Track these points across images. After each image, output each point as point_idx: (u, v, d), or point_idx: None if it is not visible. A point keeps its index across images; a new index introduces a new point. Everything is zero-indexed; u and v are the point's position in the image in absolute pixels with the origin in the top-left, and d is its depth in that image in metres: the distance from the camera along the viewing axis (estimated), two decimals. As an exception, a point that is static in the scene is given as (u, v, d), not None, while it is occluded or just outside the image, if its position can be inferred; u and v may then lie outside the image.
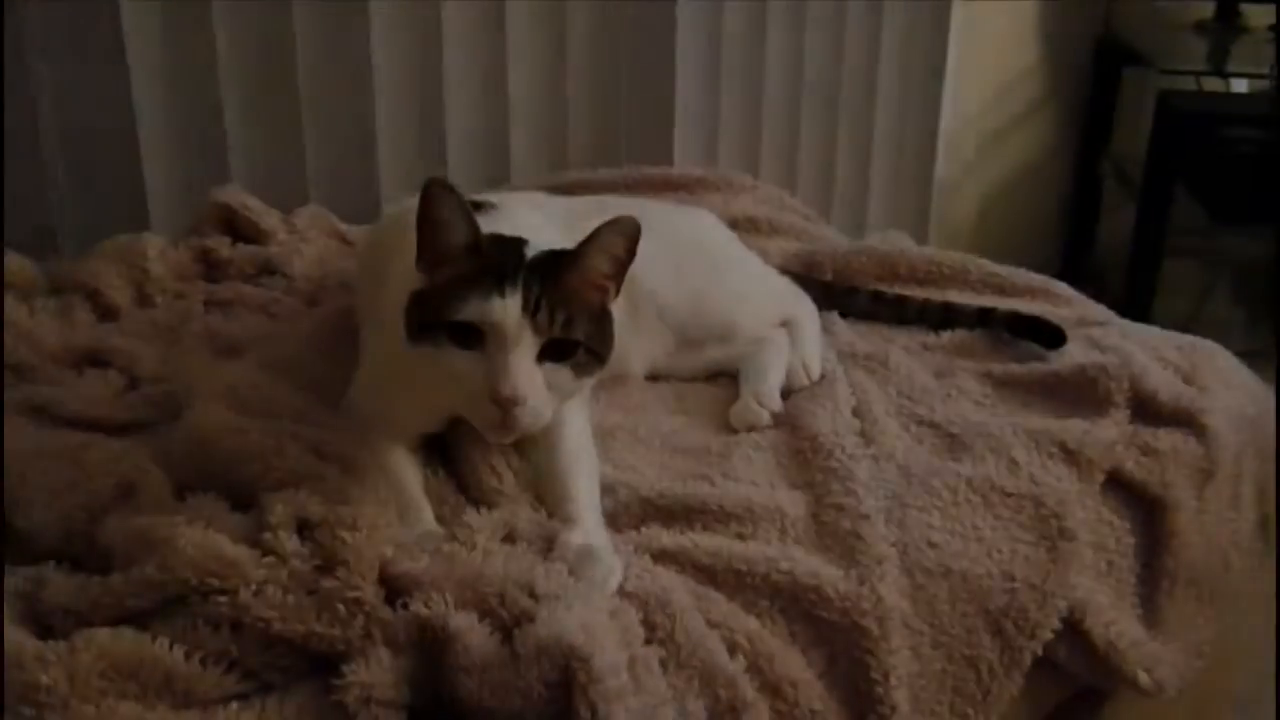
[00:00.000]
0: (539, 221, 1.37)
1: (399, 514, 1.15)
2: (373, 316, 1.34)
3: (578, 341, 1.12)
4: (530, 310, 1.09)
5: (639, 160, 2.17)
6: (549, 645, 0.97)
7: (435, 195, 1.10)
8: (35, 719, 0.92)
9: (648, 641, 1.05)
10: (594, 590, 1.07)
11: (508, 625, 1.02)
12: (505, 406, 1.09)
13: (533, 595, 1.04)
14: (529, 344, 1.09)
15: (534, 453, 1.24)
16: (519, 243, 1.16)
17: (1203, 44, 3.28)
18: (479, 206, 1.34)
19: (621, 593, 1.10)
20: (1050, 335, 1.58)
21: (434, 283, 1.13)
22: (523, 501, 1.21)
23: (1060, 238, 3.63)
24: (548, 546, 1.14)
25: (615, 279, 1.17)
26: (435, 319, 1.10)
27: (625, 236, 1.14)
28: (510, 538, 1.14)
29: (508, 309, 1.08)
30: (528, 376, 1.09)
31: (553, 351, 1.11)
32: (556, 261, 1.14)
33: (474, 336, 1.09)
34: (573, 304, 1.12)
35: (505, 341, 1.09)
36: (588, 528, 1.15)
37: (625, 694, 0.97)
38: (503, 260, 1.11)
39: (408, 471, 1.22)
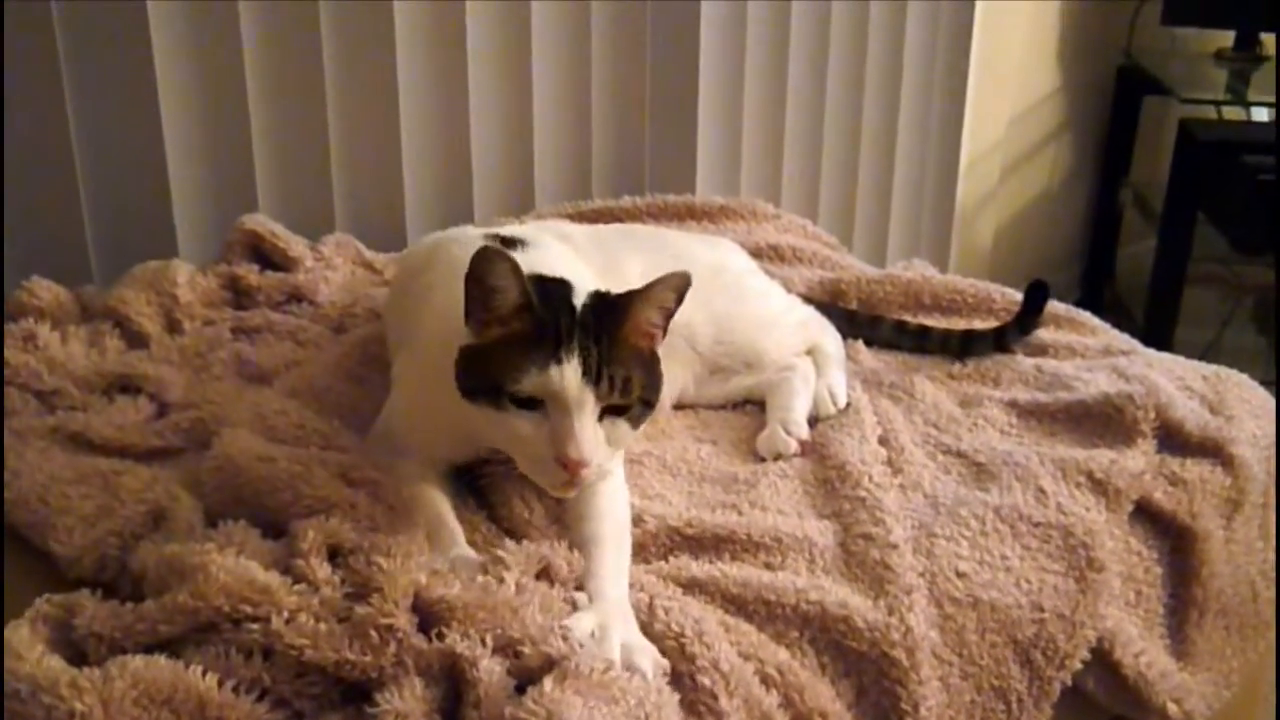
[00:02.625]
0: (570, 254, 1.38)
1: (433, 540, 1.15)
2: (405, 347, 1.35)
3: (635, 399, 1.13)
4: (591, 376, 1.09)
5: (661, 189, 2.18)
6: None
7: (489, 262, 1.09)
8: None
9: (689, 686, 1.04)
10: (605, 686, 1.01)
11: (526, 672, 1.01)
12: (572, 470, 1.09)
13: (544, 655, 1.01)
14: (590, 408, 1.10)
15: (568, 503, 1.22)
16: (565, 290, 1.15)
17: (1223, 73, 3.28)
18: (509, 243, 1.35)
19: (656, 624, 1.09)
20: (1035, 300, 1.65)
21: (485, 340, 1.13)
22: (552, 534, 1.21)
23: (1080, 266, 3.63)
24: (577, 585, 1.14)
25: (664, 326, 1.18)
26: (494, 385, 1.10)
27: (676, 290, 1.15)
28: (545, 573, 1.13)
29: (566, 377, 1.08)
30: (591, 440, 1.10)
31: (612, 408, 1.12)
32: (608, 313, 1.14)
33: (535, 400, 1.10)
34: (628, 360, 1.12)
35: (568, 408, 1.09)
36: (604, 609, 1.10)
37: None
38: (556, 319, 1.11)
39: (440, 498, 1.22)
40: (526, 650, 1.01)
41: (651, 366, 1.17)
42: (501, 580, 1.08)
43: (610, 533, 1.20)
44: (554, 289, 1.15)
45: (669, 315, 1.17)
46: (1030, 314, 1.66)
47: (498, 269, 1.09)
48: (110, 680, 0.95)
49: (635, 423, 1.15)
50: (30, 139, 1.71)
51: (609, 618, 1.08)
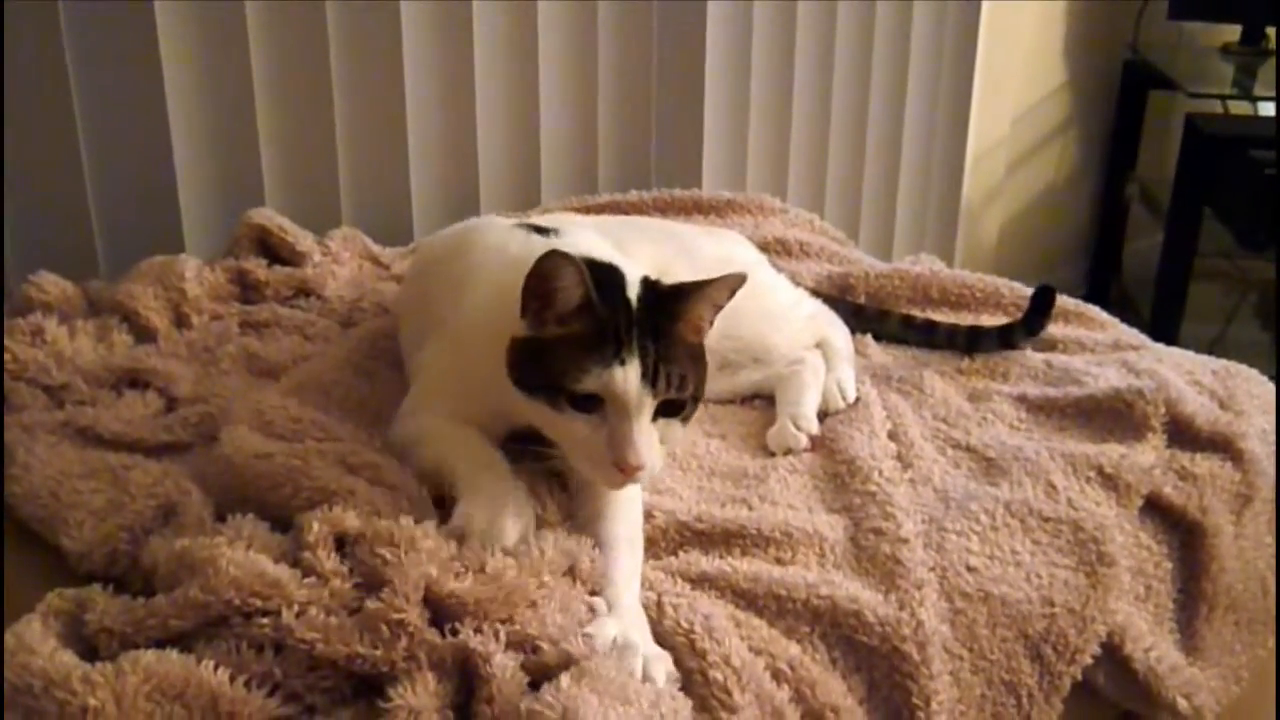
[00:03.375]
0: (600, 242, 1.37)
1: (486, 483, 1.15)
2: (433, 335, 1.34)
3: (688, 396, 1.14)
4: (649, 376, 1.10)
5: (668, 184, 2.18)
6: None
7: (557, 265, 1.09)
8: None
9: (700, 681, 1.04)
10: (620, 687, 1.01)
11: (541, 669, 1.01)
12: (630, 473, 1.10)
13: (562, 653, 1.01)
14: (648, 409, 1.11)
15: (583, 500, 1.22)
16: (619, 279, 1.16)
17: (1229, 67, 3.28)
18: (541, 232, 1.35)
19: (665, 621, 1.09)
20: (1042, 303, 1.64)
21: (543, 335, 1.13)
22: (563, 531, 1.20)
23: (1086, 261, 3.62)
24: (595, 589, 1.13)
25: (712, 321, 1.19)
26: (554, 382, 1.11)
27: (730, 289, 1.16)
28: (572, 572, 1.13)
29: (628, 378, 1.09)
30: (649, 443, 1.11)
31: (665, 407, 1.13)
32: (663, 308, 1.14)
33: (593, 399, 1.10)
34: (682, 358, 1.13)
35: (628, 410, 1.10)
36: (623, 615, 1.10)
37: None
38: (615, 319, 1.11)
39: (488, 447, 1.22)
40: (545, 647, 1.01)
41: (700, 361, 1.18)
42: (534, 574, 1.08)
43: (625, 534, 1.19)
44: (606, 276, 1.15)
45: (719, 311, 1.18)
46: (1037, 316, 1.66)
47: (565, 271, 1.09)
48: (122, 675, 0.95)
49: (686, 420, 1.16)
50: (37, 133, 1.71)
51: (629, 627, 1.08)
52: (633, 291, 1.15)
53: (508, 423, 1.23)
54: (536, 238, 1.32)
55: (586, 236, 1.36)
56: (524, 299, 1.13)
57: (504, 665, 0.99)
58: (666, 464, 1.37)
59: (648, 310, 1.13)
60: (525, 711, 0.95)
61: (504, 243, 1.33)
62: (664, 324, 1.13)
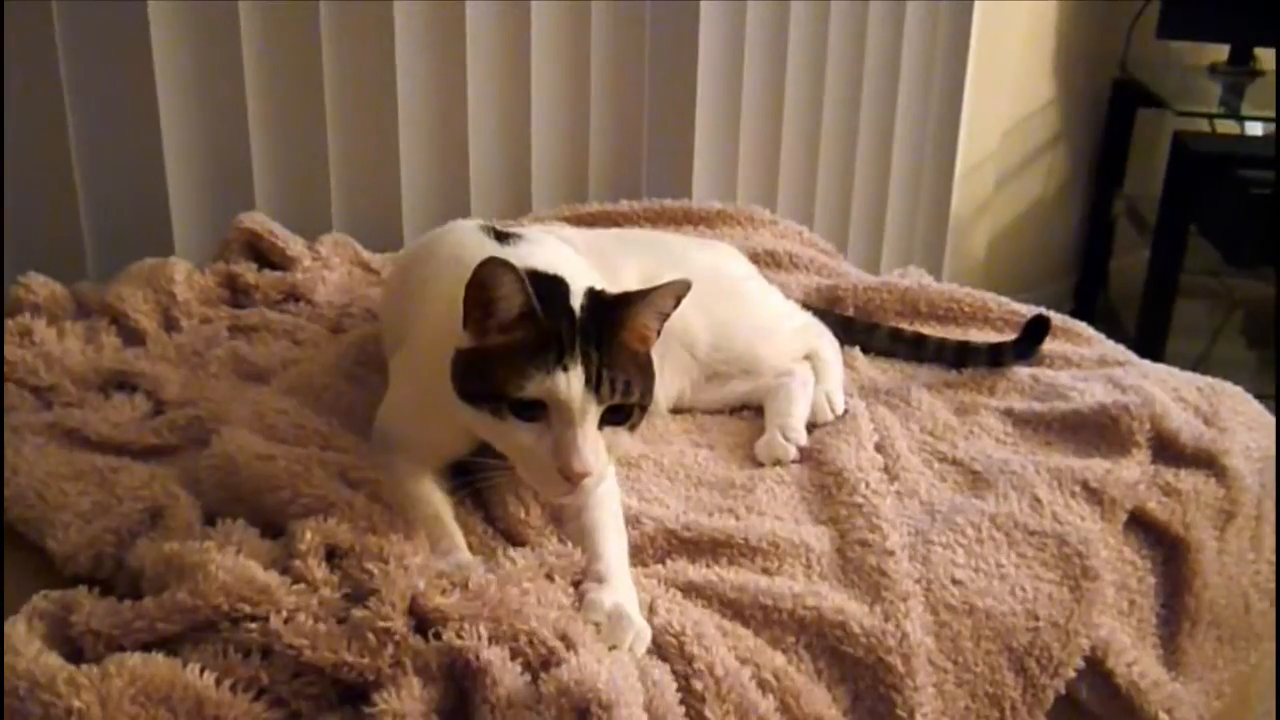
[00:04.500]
0: (569, 253, 1.38)
1: (432, 542, 1.15)
2: (401, 343, 1.35)
3: (635, 404, 1.14)
4: (593, 382, 1.09)
5: (659, 194, 2.19)
6: (571, 689, 0.97)
7: (494, 273, 1.09)
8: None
9: (685, 686, 1.05)
10: (623, 652, 1.06)
11: (534, 666, 1.02)
12: (575, 481, 1.10)
13: (564, 639, 1.03)
14: (593, 416, 1.11)
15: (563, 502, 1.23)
16: (562, 289, 1.15)
17: (1217, 86, 3.30)
18: (506, 237, 1.36)
19: (654, 620, 1.10)
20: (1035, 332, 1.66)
21: (485, 345, 1.12)
22: (548, 534, 1.21)
23: (1073, 276, 3.64)
24: (578, 582, 1.14)
25: (659, 330, 1.19)
26: (496, 391, 1.10)
27: (676, 297, 1.16)
28: (548, 575, 1.13)
29: (571, 384, 1.09)
30: (595, 449, 1.10)
31: (611, 415, 1.13)
32: (607, 317, 1.14)
33: (537, 407, 1.10)
34: (628, 366, 1.13)
35: (572, 416, 1.09)
36: (617, 587, 1.13)
37: None
38: (557, 327, 1.10)
39: (438, 498, 1.22)
40: (541, 631, 1.03)
41: (647, 369, 1.17)
42: (516, 583, 1.09)
43: (608, 519, 1.21)
44: (550, 287, 1.14)
45: (665, 319, 1.18)
46: (1029, 343, 1.66)
47: (502, 279, 1.09)
48: (108, 677, 0.95)
49: (633, 427, 1.16)
50: (29, 136, 1.71)
51: (624, 601, 1.10)
52: (576, 301, 1.14)
53: (472, 437, 1.22)
54: (490, 245, 1.31)
55: (544, 245, 1.36)
56: (465, 309, 1.12)
57: (495, 655, 0.99)
58: (654, 473, 1.38)
59: (591, 318, 1.13)
60: (569, 680, 0.97)
61: (460, 252, 1.31)
62: (608, 332, 1.13)
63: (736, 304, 1.57)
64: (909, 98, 2.72)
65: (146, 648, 1.00)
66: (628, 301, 1.15)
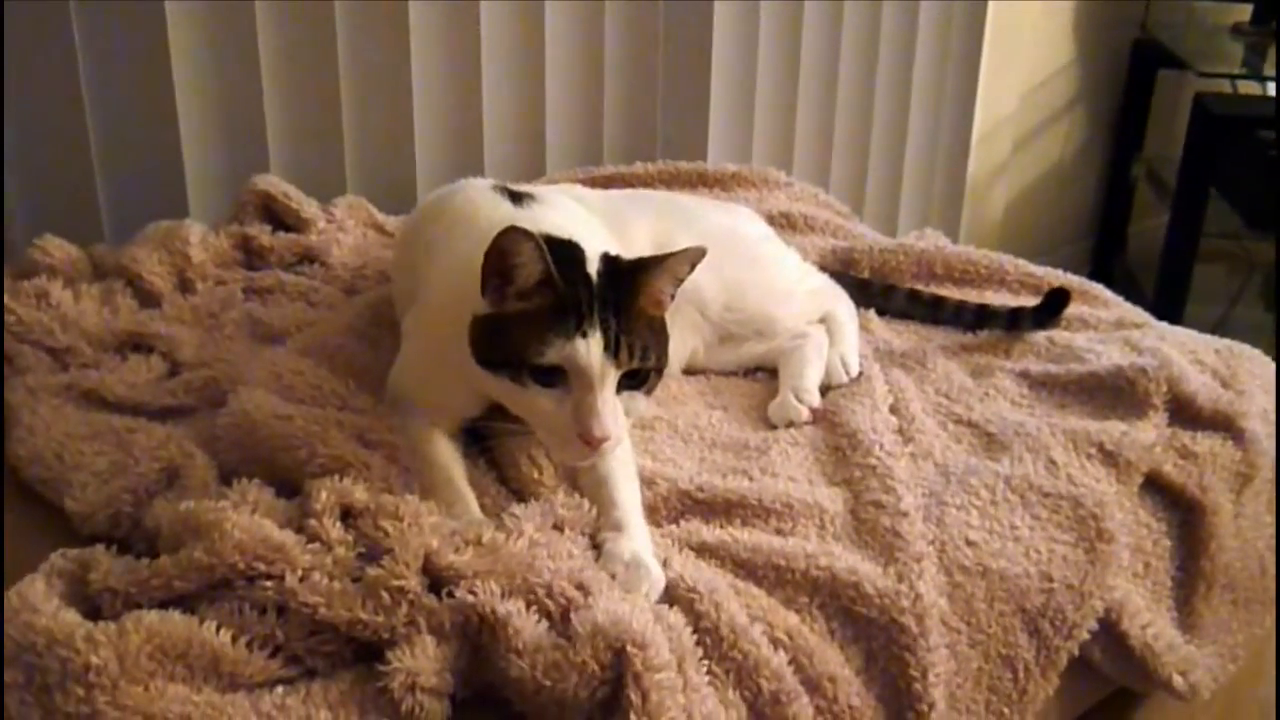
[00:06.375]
0: (582, 214, 1.37)
1: (444, 503, 1.16)
2: (412, 305, 1.35)
3: (651, 368, 1.14)
4: (611, 348, 1.10)
5: (673, 156, 2.17)
6: (606, 627, 0.98)
7: (513, 241, 1.09)
8: (84, 700, 0.93)
9: (698, 641, 1.06)
10: (640, 599, 1.07)
11: (554, 615, 1.03)
12: (595, 446, 1.10)
13: (580, 588, 1.04)
14: (611, 380, 1.11)
15: None
16: (578, 255, 1.15)
17: (1239, 47, 3.26)
18: (519, 198, 1.35)
19: (667, 588, 1.10)
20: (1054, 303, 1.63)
21: (503, 311, 1.13)
22: (561, 493, 1.21)
23: (1091, 240, 3.62)
24: (592, 534, 1.15)
25: (673, 294, 1.19)
26: (515, 358, 1.11)
27: (691, 262, 1.16)
28: (558, 526, 1.14)
29: (591, 350, 1.09)
30: (613, 414, 1.11)
31: (627, 380, 1.13)
32: (623, 283, 1.14)
33: (556, 373, 1.10)
34: (644, 331, 1.14)
35: (591, 382, 1.10)
36: (633, 534, 1.15)
37: (675, 689, 0.98)
38: (576, 293, 1.11)
39: (451, 460, 1.23)
40: (557, 584, 1.04)
41: (662, 333, 1.18)
42: (519, 536, 1.09)
43: (620, 468, 1.21)
44: (565, 252, 1.14)
45: (679, 283, 1.18)
46: (1048, 314, 1.64)
47: (523, 247, 1.09)
48: (125, 634, 0.96)
49: (649, 391, 1.17)
50: (43, 99, 1.71)
51: (640, 548, 1.12)
52: (593, 267, 1.15)
53: (484, 398, 1.23)
54: (504, 208, 1.32)
55: (558, 207, 1.36)
56: (484, 276, 1.13)
57: (510, 608, 1.00)
58: (668, 434, 1.38)
59: (608, 284, 1.13)
60: (605, 618, 0.98)
61: (472, 213, 1.32)
62: (625, 297, 1.13)
63: (750, 265, 1.57)
64: (926, 59, 2.70)
65: (163, 606, 1.01)
66: (644, 267, 1.15)
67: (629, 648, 0.97)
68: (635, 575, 1.09)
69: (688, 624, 1.06)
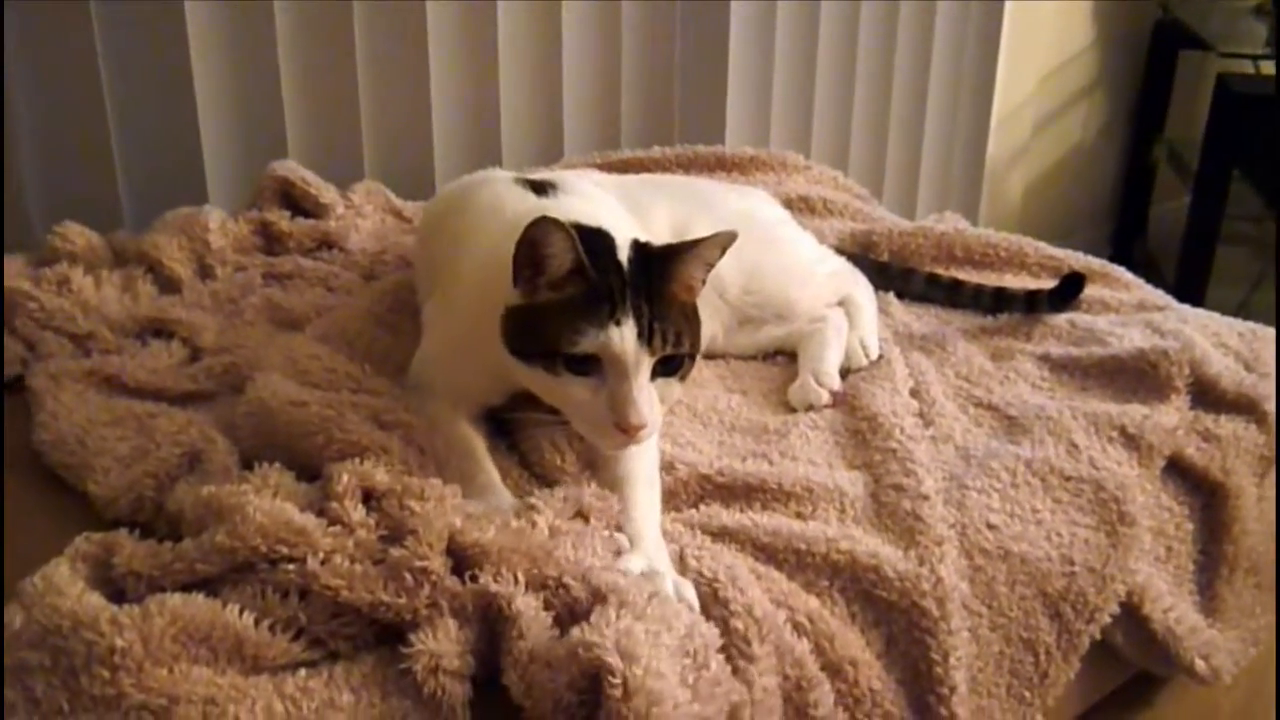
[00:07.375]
0: (609, 201, 1.37)
1: (468, 480, 1.16)
2: (436, 291, 1.35)
3: (685, 354, 1.14)
4: (645, 336, 1.09)
5: (691, 140, 2.17)
6: (579, 652, 0.95)
7: (545, 231, 1.08)
8: (109, 682, 0.93)
9: (722, 631, 1.04)
10: (659, 614, 1.02)
11: (561, 615, 1.01)
12: (631, 434, 1.10)
13: (594, 593, 1.02)
14: (646, 368, 1.11)
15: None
16: (608, 244, 1.15)
17: (1262, 27, 3.22)
18: (541, 187, 1.35)
19: (687, 573, 1.10)
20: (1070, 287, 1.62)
21: (536, 302, 1.12)
22: (583, 480, 1.21)
23: (1111, 221, 3.59)
24: (615, 525, 1.14)
25: (704, 279, 1.18)
26: (549, 347, 1.10)
27: (721, 247, 1.15)
28: (581, 514, 1.14)
29: (625, 339, 1.09)
30: (649, 402, 1.11)
31: (662, 367, 1.13)
32: (654, 269, 1.13)
33: (590, 362, 1.10)
34: (677, 317, 1.13)
35: (626, 370, 1.09)
36: (648, 548, 1.12)
37: (665, 705, 0.94)
38: (608, 282, 1.10)
39: (476, 441, 1.23)
40: (571, 583, 1.02)
41: (694, 319, 1.17)
42: (534, 524, 1.09)
43: (643, 473, 1.21)
44: (595, 241, 1.14)
45: (710, 268, 1.17)
46: (1063, 299, 1.64)
47: (554, 237, 1.09)
48: (150, 617, 0.96)
49: (683, 377, 1.16)
50: (62, 86, 1.72)
51: (654, 560, 1.10)
52: (623, 254, 1.14)
53: (508, 385, 1.23)
54: (531, 199, 1.32)
55: (583, 195, 1.35)
56: (515, 267, 1.12)
57: (527, 604, 1.00)
58: (687, 418, 1.38)
59: (640, 272, 1.13)
60: (579, 643, 0.95)
61: (499, 204, 1.32)
62: (656, 284, 1.13)
63: (768, 248, 1.56)
64: (945, 41, 2.68)
65: (186, 589, 1.02)
66: (675, 253, 1.15)
67: (604, 674, 0.93)
68: (652, 582, 1.06)
69: (713, 622, 1.04)
